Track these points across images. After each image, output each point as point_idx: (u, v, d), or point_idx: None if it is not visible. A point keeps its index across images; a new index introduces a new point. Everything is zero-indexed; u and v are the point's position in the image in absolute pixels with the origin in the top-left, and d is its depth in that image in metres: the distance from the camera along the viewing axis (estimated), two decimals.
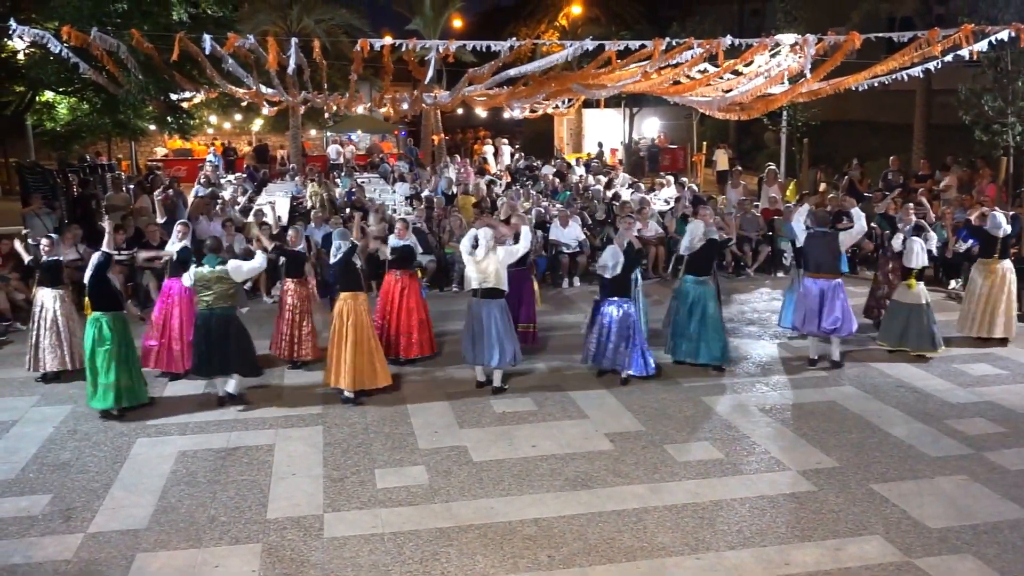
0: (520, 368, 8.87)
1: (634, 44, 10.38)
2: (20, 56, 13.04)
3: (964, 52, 9.77)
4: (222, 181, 19.45)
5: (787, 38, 10.40)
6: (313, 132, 34.06)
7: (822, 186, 18.32)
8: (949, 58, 10.08)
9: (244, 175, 20.69)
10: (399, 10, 31.11)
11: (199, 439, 7.30)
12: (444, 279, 13.16)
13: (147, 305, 10.79)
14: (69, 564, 5.35)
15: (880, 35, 10.90)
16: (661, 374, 8.75)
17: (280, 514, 5.96)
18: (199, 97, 14.79)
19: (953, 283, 12.56)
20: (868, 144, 22.74)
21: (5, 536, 5.70)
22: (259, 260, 8.14)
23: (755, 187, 17.73)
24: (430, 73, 10.72)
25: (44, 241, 8.82)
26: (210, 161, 25.35)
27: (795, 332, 9.73)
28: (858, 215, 9.27)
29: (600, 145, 28.93)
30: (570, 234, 13.43)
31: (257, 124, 33.10)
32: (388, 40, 10.05)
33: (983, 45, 9.80)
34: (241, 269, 7.99)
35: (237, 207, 15.28)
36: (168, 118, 15.07)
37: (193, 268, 7.88)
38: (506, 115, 23.84)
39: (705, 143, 28.17)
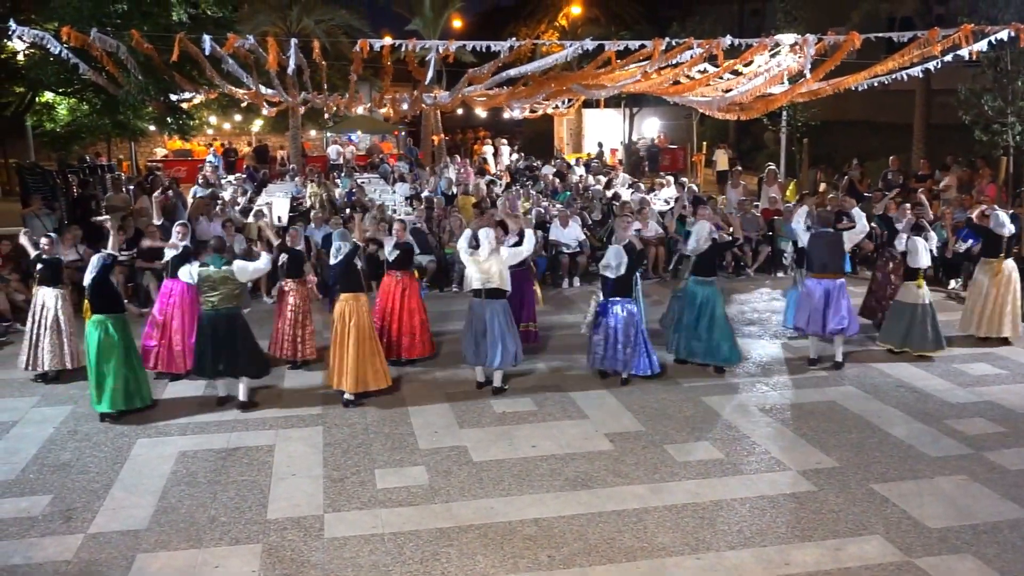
0: (520, 368, 8.87)
1: (634, 44, 10.40)
2: (20, 57, 13.04)
3: (964, 52, 9.79)
4: (222, 182, 19.44)
5: (787, 38, 10.42)
6: (313, 133, 34.06)
7: (822, 186, 18.32)
8: (949, 58, 10.10)
9: (244, 176, 20.70)
10: (399, 11, 31.13)
11: (199, 439, 7.30)
12: (444, 279, 13.16)
13: (147, 305, 10.79)
14: (69, 565, 5.35)
15: (880, 35, 10.92)
16: (662, 374, 8.74)
17: (280, 514, 5.96)
18: (199, 98, 14.83)
19: (953, 283, 12.56)
20: (868, 144, 22.76)
21: (5, 537, 5.70)
22: (264, 261, 8.15)
23: (755, 187, 17.73)
24: (430, 73, 10.74)
25: (44, 240, 8.81)
26: (210, 162, 25.33)
27: (798, 333, 9.70)
28: (859, 215, 9.26)
29: (600, 145, 28.95)
30: (570, 234, 13.44)
31: (257, 125, 33.12)
32: (388, 40, 10.07)
33: (983, 45, 9.82)
34: (247, 270, 8.00)
35: (237, 207, 15.28)
36: (168, 119, 15.06)
37: (197, 267, 7.86)
38: (506, 115, 23.90)
39: (705, 143, 28.18)
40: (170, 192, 14.44)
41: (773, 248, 13.98)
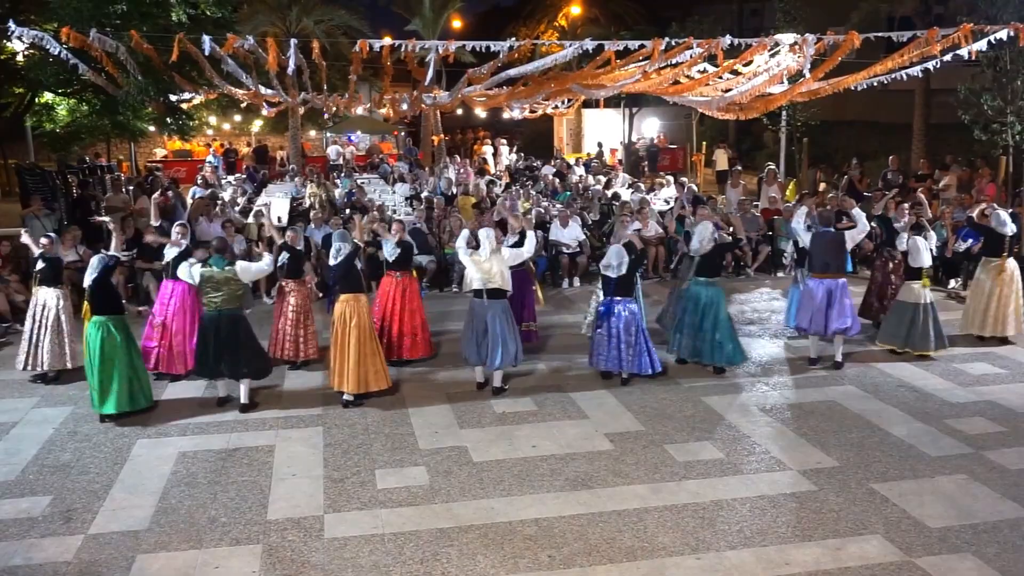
0: (520, 368, 8.86)
1: (633, 44, 10.40)
2: (19, 57, 13.03)
3: (963, 52, 9.79)
4: (222, 182, 19.44)
5: (786, 38, 10.41)
6: (313, 133, 34.06)
7: (822, 186, 18.33)
8: (948, 58, 10.10)
9: (244, 176, 20.70)
10: (398, 11, 31.13)
11: (199, 440, 7.30)
12: (444, 279, 13.16)
13: (147, 306, 10.78)
14: (69, 565, 5.34)
15: (880, 35, 10.92)
16: (663, 373, 8.73)
17: (280, 515, 5.96)
18: (198, 98, 14.83)
19: (953, 282, 12.57)
20: (868, 144, 22.79)
21: (5, 537, 5.70)
22: (266, 261, 8.16)
23: (755, 187, 17.73)
24: (430, 74, 10.74)
25: (44, 240, 8.80)
26: (210, 162, 25.34)
27: (799, 333, 9.68)
28: (859, 215, 9.25)
29: (600, 145, 28.92)
30: (570, 234, 13.44)
31: (257, 125, 33.13)
32: (387, 41, 10.07)
33: (982, 45, 9.83)
34: (249, 270, 8.00)
35: (237, 208, 15.27)
36: (167, 119, 15.06)
37: (199, 268, 7.85)
38: (506, 115, 23.89)
39: (705, 143, 28.16)
40: (169, 193, 14.43)
41: (773, 248, 13.98)
